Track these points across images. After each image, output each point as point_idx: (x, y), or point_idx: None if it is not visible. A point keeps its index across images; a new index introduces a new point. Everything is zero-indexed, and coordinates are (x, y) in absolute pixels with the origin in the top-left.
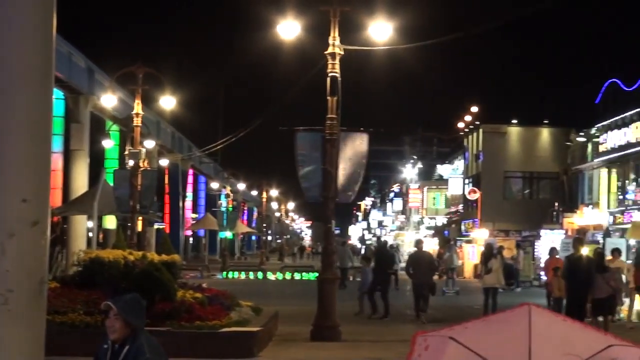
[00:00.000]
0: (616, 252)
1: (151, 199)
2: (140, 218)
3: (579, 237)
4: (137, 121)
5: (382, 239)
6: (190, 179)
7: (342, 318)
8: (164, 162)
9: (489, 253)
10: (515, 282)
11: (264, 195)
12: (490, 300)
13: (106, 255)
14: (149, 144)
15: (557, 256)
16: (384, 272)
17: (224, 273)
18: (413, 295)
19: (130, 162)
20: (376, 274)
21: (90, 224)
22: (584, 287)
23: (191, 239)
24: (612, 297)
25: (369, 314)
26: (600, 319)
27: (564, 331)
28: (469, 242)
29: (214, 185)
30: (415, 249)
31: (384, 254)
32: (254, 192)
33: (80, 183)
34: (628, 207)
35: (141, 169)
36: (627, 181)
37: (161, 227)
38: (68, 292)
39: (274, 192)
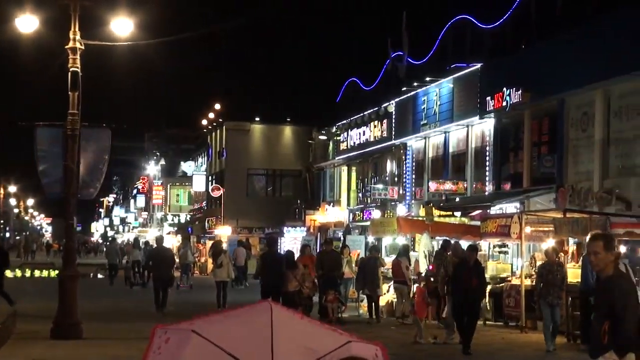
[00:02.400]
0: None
1: None
2: None
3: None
4: None
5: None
6: None
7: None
8: None
9: (219, 249)
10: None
11: (2, 191)
12: (221, 293)
13: None
14: None
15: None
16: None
17: None
18: (153, 290)
19: None
20: None
21: None
22: (276, 281)
23: None
24: (300, 291)
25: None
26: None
27: (305, 327)
28: (212, 239)
29: None
30: (156, 245)
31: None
32: None
33: None
34: (367, 205)
35: None
36: (366, 179)
37: None
38: None
39: (13, 188)
